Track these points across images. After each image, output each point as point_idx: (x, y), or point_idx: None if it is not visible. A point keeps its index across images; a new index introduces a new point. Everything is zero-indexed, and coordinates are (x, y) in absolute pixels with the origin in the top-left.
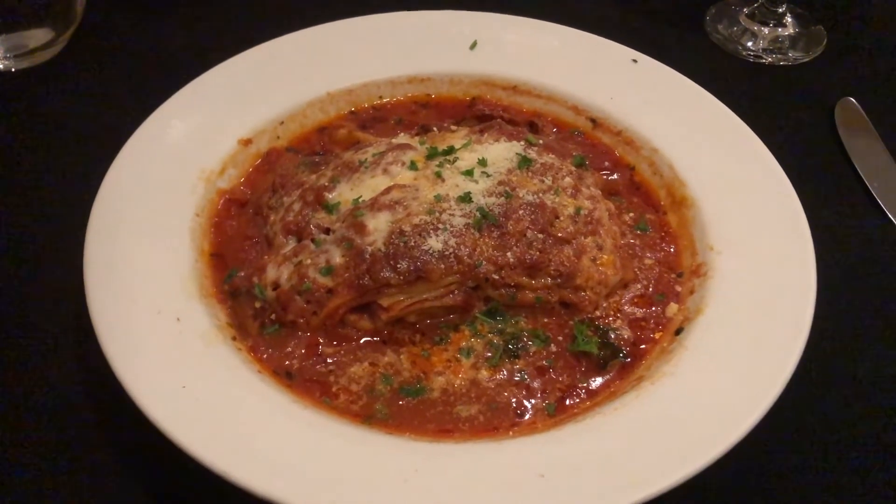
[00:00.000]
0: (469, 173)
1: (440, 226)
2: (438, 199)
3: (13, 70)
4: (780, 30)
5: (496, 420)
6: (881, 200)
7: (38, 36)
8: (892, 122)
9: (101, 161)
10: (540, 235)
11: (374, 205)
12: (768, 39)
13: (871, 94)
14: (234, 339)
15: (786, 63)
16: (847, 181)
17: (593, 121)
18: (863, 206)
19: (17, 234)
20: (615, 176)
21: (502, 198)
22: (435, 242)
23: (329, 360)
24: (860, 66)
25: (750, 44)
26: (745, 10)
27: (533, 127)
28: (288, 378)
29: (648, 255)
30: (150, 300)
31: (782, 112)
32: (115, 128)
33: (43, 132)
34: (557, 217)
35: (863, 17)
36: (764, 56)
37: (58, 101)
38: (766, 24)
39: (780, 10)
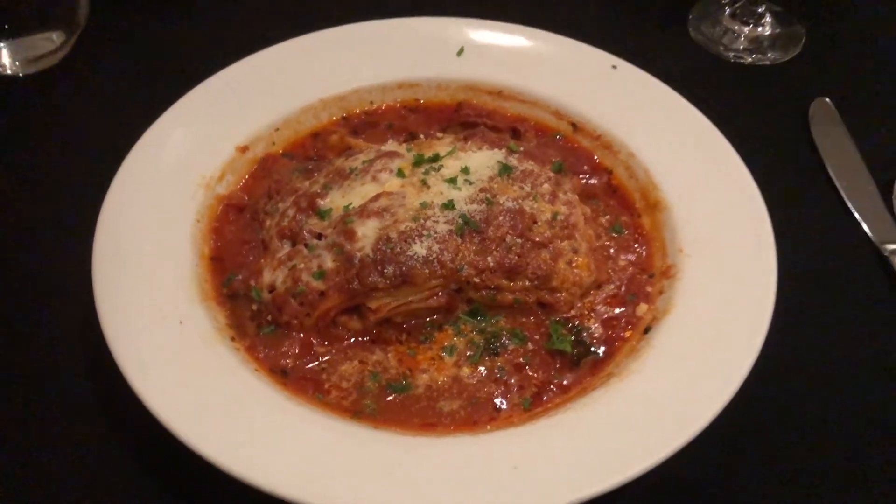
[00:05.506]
0: (453, 181)
1: (425, 232)
2: (424, 206)
3: (20, 75)
4: (759, 29)
5: (476, 415)
6: (848, 200)
7: (44, 42)
8: (865, 122)
9: (107, 166)
10: (518, 240)
11: (363, 212)
12: (748, 39)
13: (845, 94)
14: (232, 339)
15: (765, 63)
16: (817, 181)
17: (574, 125)
18: (831, 205)
19: (26, 238)
20: (594, 180)
21: (483, 204)
22: (420, 248)
23: (322, 359)
24: (836, 67)
25: (732, 44)
26: (727, 9)
27: (515, 133)
28: (283, 376)
29: (622, 256)
30: (154, 305)
31: (759, 112)
32: (120, 132)
33: (50, 137)
34: (535, 222)
35: (841, 14)
36: (744, 56)
37: (64, 105)
38: (746, 23)
39: (760, 9)
